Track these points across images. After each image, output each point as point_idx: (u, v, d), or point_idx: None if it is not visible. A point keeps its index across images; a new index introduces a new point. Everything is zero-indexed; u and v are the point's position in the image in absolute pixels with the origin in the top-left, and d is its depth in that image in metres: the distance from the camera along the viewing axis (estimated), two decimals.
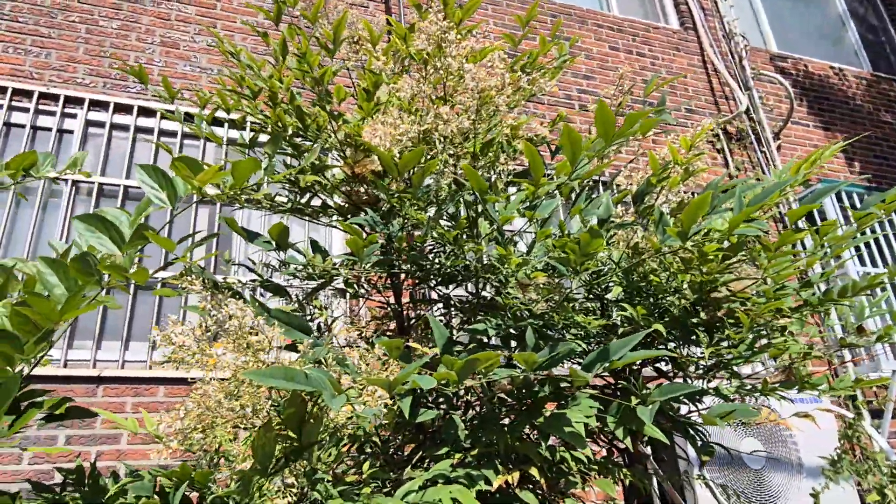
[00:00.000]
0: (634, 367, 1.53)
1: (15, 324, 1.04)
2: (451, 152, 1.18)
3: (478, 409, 1.47)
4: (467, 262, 1.29)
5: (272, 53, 1.43)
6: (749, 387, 1.32)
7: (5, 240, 3.26)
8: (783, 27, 6.46)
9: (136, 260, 1.18)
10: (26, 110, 3.55)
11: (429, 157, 1.21)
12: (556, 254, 1.21)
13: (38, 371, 3.02)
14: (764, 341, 1.65)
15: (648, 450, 3.08)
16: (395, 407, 1.08)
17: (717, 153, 5.20)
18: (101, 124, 3.70)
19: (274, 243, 1.30)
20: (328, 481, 1.18)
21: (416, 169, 1.11)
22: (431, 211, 1.40)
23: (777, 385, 1.26)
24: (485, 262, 1.29)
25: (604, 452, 1.56)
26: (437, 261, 1.34)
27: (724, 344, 1.22)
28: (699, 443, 1.41)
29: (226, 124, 3.69)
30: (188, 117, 3.59)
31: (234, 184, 1.16)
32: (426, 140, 1.22)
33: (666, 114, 1.28)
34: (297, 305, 1.47)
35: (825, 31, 6.85)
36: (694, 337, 1.26)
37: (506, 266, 1.20)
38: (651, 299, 1.34)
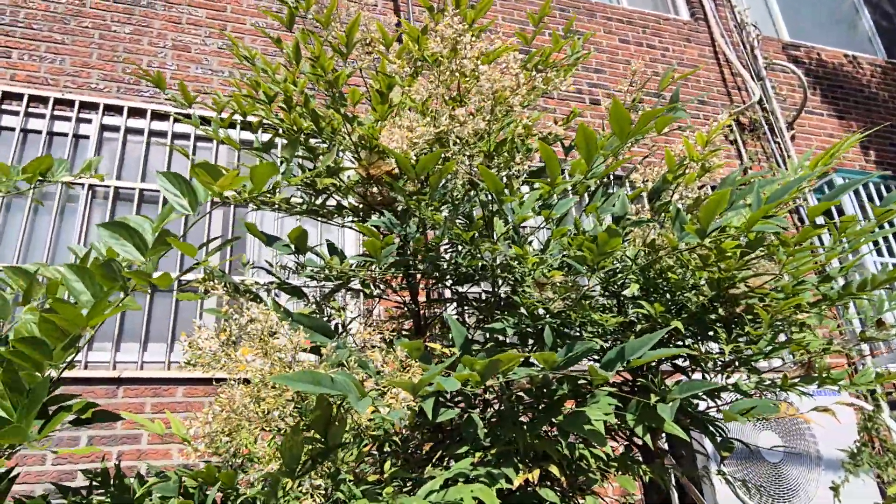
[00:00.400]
0: (653, 364, 1.54)
1: (43, 330, 1.06)
2: (467, 153, 1.19)
3: (496, 407, 1.48)
4: (484, 262, 1.30)
5: (285, 57, 1.44)
6: (768, 382, 1.31)
7: (25, 245, 3.31)
8: (795, 15, 6.40)
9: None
10: (42, 116, 3.59)
11: (444, 158, 1.21)
12: (573, 252, 1.21)
13: None
14: (784, 336, 1.64)
15: (666, 446, 3.08)
16: (416, 407, 1.09)
17: (730, 144, 5.16)
18: (115, 129, 3.73)
19: (293, 247, 1.31)
20: (350, 481, 1.19)
21: (433, 171, 1.12)
22: (446, 211, 1.41)
23: (797, 380, 1.26)
24: (500, 262, 1.29)
25: (622, 449, 1.57)
26: (453, 261, 1.35)
27: (743, 340, 1.22)
28: (718, 439, 1.41)
29: (238, 126, 3.71)
30: (203, 121, 3.62)
31: (254, 188, 1.18)
32: (441, 141, 1.22)
33: (681, 111, 1.27)
34: (315, 307, 1.49)
35: (838, 18, 6.77)
36: (712, 333, 1.26)
37: (522, 265, 1.21)
38: (668, 296, 1.35)
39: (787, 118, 5.39)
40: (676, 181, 1.29)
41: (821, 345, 1.26)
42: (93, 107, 3.71)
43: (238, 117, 1.54)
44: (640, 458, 1.56)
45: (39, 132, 3.56)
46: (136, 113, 3.79)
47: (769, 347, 1.20)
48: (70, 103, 3.67)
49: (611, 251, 1.04)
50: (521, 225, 1.49)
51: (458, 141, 1.18)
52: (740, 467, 3.50)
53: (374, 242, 1.27)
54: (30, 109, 3.59)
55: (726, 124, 1.26)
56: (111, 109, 3.75)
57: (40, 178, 1.37)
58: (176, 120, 3.81)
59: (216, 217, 3.76)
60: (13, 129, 3.51)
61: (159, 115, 3.82)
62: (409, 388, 0.75)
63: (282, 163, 1.30)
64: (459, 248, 1.41)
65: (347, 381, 0.74)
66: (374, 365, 0.89)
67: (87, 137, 3.67)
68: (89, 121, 3.70)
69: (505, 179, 1.32)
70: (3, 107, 3.54)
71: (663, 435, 2.05)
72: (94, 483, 1.38)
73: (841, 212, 4.99)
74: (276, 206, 1.60)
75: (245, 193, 1.21)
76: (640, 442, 1.59)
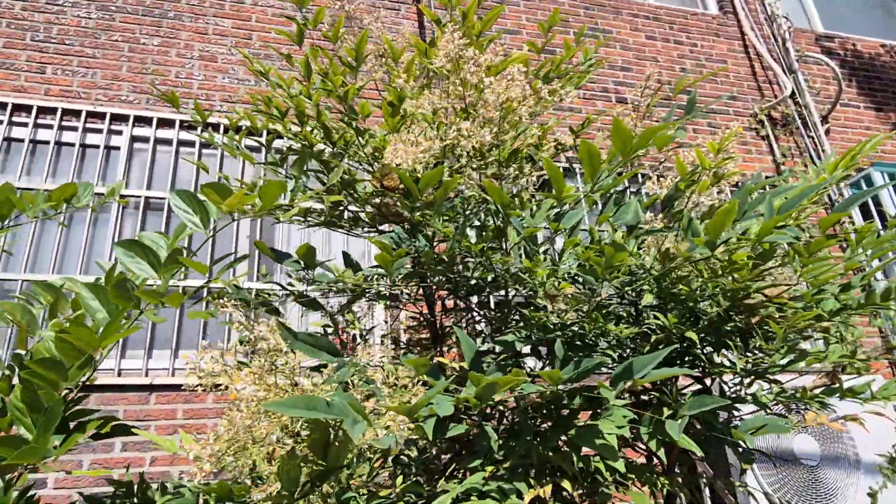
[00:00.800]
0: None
1: (60, 349, 1.09)
2: (475, 165, 1.18)
3: (512, 419, 1.47)
4: (495, 274, 1.29)
5: (298, 71, 1.45)
6: (789, 393, 1.28)
7: (60, 255, 3.40)
8: (828, 5, 6.22)
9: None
10: (75, 129, 3.69)
11: (453, 170, 1.21)
12: (586, 261, 1.20)
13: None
14: (807, 345, 1.60)
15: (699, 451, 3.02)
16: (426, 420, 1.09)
17: (761, 140, 5.05)
18: (145, 139, 3.82)
19: (302, 263, 1.33)
20: (363, 495, 1.20)
21: (438, 187, 1.12)
22: (460, 221, 1.40)
23: (818, 392, 1.22)
24: (513, 272, 1.28)
25: (643, 460, 1.54)
26: (464, 273, 1.35)
27: (760, 351, 1.19)
28: (741, 450, 1.38)
29: (263, 134, 3.77)
30: (226, 130, 3.68)
31: (263, 206, 1.19)
32: (453, 153, 1.22)
33: (681, 130, 1.25)
34: (330, 319, 1.50)
35: (873, 6, 6.56)
36: (730, 344, 1.23)
37: (532, 277, 1.20)
38: (684, 306, 1.32)
39: (822, 112, 5.25)
40: (689, 189, 1.26)
41: (845, 353, 1.22)
42: (123, 118, 3.80)
43: (263, 131, 1.56)
44: (662, 469, 1.53)
45: (73, 145, 3.66)
46: (164, 123, 3.87)
47: (784, 360, 1.16)
48: (101, 116, 3.76)
49: (618, 264, 1.02)
50: (538, 232, 1.48)
51: (465, 154, 1.18)
52: (775, 472, 3.42)
53: (385, 256, 1.28)
54: (63, 123, 3.69)
55: (735, 131, 1.22)
56: (141, 121, 3.84)
57: (66, 204, 1.41)
58: (204, 127, 3.87)
59: (244, 227, 3.82)
60: (48, 143, 3.61)
61: (188, 125, 3.89)
62: (405, 412, 0.75)
63: (292, 178, 1.31)
64: (473, 259, 1.40)
65: (344, 404, 0.74)
66: (377, 384, 0.90)
67: (118, 149, 3.76)
68: (120, 132, 3.79)
69: (515, 191, 1.31)
70: (38, 121, 3.65)
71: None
72: (117, 493, 1.41)
73: (881, 209, 4.83)
74: (292, 219, 1.63)
75: (256, 211, 1.22)
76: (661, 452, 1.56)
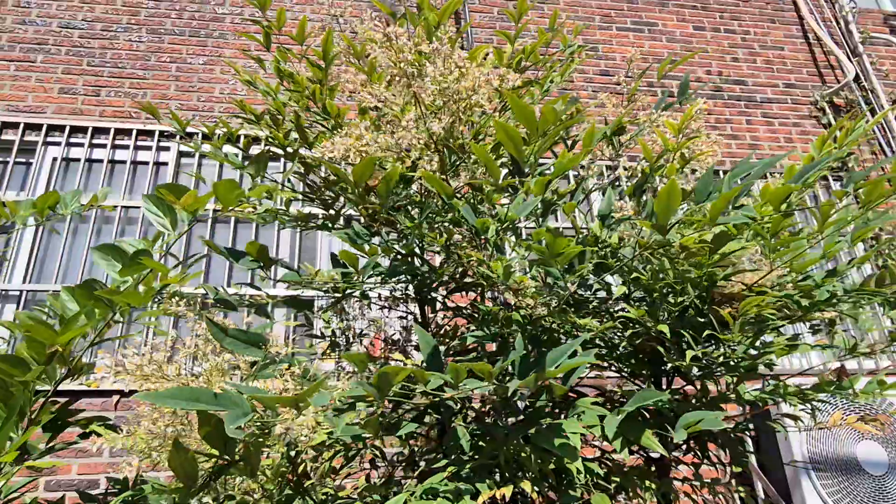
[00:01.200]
0: (667, 370, 1.43)
1: (30, 347, 1.13)
2: (427, 157, 1.16)
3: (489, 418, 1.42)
4: (462, 269, 1.26)
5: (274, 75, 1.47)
6: (781, 390, 1.18)
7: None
8: None
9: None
10: (126, 147, 3.88)
11: (411, 163, 1.19)
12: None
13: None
14: (817, 337, 1.48)
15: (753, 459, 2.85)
16: (376, 417, 1.07)
17: (823, 129, 4.76)
18: (191, 154, 3.98)
19: (260, 262, 1.33)
20: (329, 495, 1.19)
21: (382, 180, 1.10)
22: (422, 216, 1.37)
23: (808, 388, 1.12)
24: (479, 268, 1.25)
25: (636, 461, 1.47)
26: (422, 268, 1.32)
27: (717, 342, 1.11)
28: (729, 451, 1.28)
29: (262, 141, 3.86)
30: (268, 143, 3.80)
31: (223, 205, 1.21)
32: (396, 146, 1.20)
33: (571, 101, 1.18)
34: (305, 319, 1.50)
35: None
36: (685, 334, 1.15)
37: (493, 272, 1.16)
38: (665, 297, 1.25)
39: (891, 95, 4.90)
40: (656, 173, 1.19)
41: (848, 344, 1.12)
42: (171, 135, 3.97)
43: (234, 130, 1.60)
44: (656, 472, 1.45)
45: (124, 162, 3.85)
46: (208, 139, 4.02)
47: (756, 352, 1.07)
48: (150, 133, 3.95)
49: (561, 252, 0.97)
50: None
51: (417, 147, 1.15)
52: (836, 481, 3.19)
53: (348, 253, 1.27)
54: (116, 142, 3.89)
55: (702, 109, 1.14)
56: (187, 137, 4.00)
57: (51, 211, 1.48)
58: (194, 138, 3.99)
59: (284, 235, 3.91)
60: (101, 161, 3.82)
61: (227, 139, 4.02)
62: (290, 403, 0.73)
63: (278, 182, 1.33)
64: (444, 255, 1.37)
65: (236, 394, 0.73)
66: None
67: (165, 164, 3.93)
68: (168, 148, 3.96)
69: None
70: (94, 141, 3.87)
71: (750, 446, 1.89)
72: (108, 490, 1.46)
73: None
74: (297, 223, 1.65)
75: (223, 212, 1.24)
76: (656, 455, 1.48)
